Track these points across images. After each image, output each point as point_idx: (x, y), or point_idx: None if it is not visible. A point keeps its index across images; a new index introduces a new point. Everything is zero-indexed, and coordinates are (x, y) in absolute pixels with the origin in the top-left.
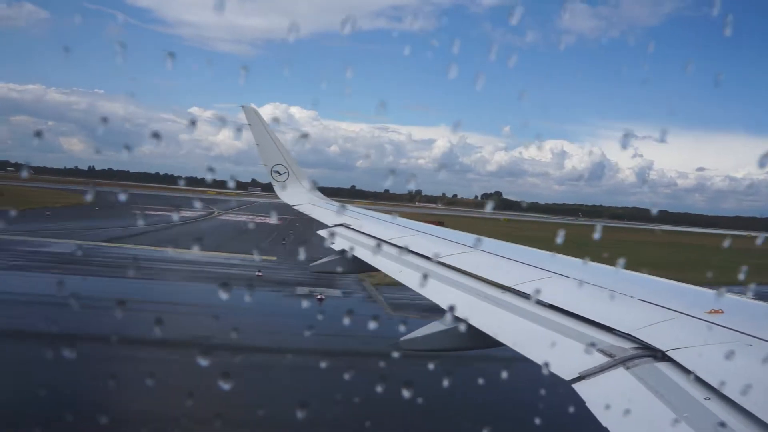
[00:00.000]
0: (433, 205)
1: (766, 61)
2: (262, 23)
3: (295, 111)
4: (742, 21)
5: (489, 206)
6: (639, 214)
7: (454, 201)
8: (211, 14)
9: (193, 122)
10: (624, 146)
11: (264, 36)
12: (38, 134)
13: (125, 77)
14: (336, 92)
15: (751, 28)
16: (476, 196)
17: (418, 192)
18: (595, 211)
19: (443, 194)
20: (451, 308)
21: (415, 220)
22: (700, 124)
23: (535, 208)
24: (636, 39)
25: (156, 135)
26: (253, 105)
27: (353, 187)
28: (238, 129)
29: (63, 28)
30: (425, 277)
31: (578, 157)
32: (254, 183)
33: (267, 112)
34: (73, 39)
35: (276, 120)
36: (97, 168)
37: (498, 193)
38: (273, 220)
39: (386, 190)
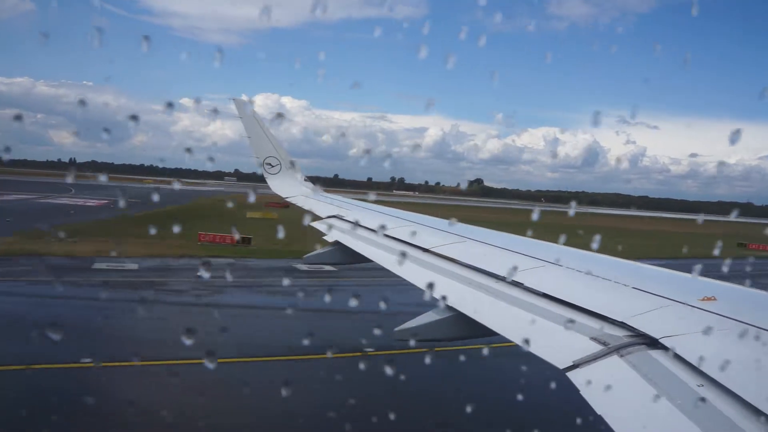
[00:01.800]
0: (411, 192)
1: (759, 46)
2: (252, 13)
3: (287, 101)
4: (736, 7)
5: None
6: (618, 200)
7: (432, 189)
8: (198, 4)
9: (170, 104)
10: (617, 133)
11: (253, 26)
12: (18, 117)
13: (113, 69)
14: (327, 81)
15: (745, 13)
16: (458, 184)
17: (401, 180)
18: (575, 197)
19: (426, 182)
20: (442, 297)
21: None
22: (693, 110)
23: (517, 195)
24: (628, 26)
25: (134, 117)
26: (244, 96)
27: (336, 176)
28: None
29: (49, 20)
30: (420, 267)
31: (571, 144)
32: (234, 173)
33: (258, 102)
34: (60, 30)
35: (280, 115)
36: (79, 160)
37: (479, 180)
38: (92, 203)
39: (369, 179)
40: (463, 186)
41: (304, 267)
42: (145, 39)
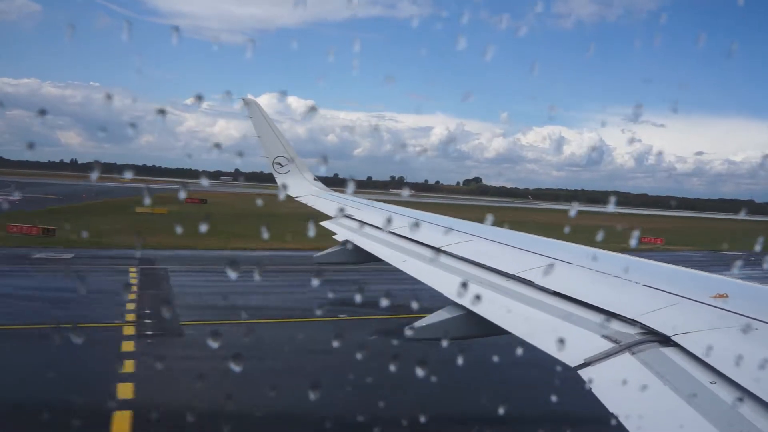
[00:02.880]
0: (407, 191)
1: (765, 44)
2: (256, 12)
3: (292, 100)
4: (743, 4)
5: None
6: (617, 198)
7: (430, 187)
8: (204, 4)
9: (199, 97)
10: (635, 119)
11: (259, 26)
12: (42, 112)
13: (120, 69)
14: (333, 81)
15: (751, 11)
16: (458, 183)
17: (400, 179)
18: (573, 196)
19: (426, 180)
20: (451, 296)
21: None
22: (698, 108)
23: (513, 193)
24: (634, 23)
25: (162, 111)
26: (250, 96)
27: (336, 175)
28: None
29: (55, 21)
30: (429, 266)
31: (577, 142)
32: (225, 173)
33: (263, 102)
34: (66, 32)
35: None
36: (80, 161)
37: (477, 179)
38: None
39: (369, 177)
40: (462, 184)
41: (43, 255)
42: (175, 30)
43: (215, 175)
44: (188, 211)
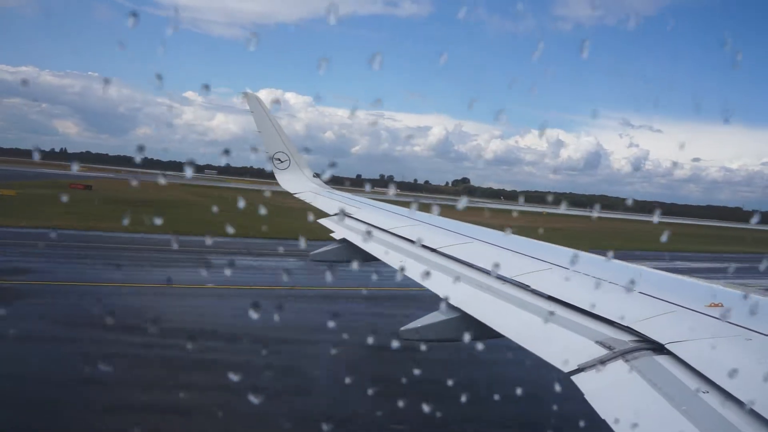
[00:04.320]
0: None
1: (763, 51)
2: (256, 7)
3: (290, 97)
4: (740, 11)
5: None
6: (603, 201)
7: (417, 186)
8: None
9: (206, 86)
10: (620, 136)
11: (258, 20)
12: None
13: (119, 60)
14: (331, 78)
15: (749, 18)
16: (447, 183)
17: (390, 177)
18: (557, 199)
19: (415, 180)
20: (447, 298)
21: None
22: (696, 114)
23: (499, 194)
24: (633, 28)
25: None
26: (249, 90)
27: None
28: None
29: (55, 10)
30: (426, 268)
31: (574, 146)
32: (212, 167)
33: (262, 97)
34: (65, 21)
35: (277, 101)
36: (70, 151)
37: (465, 179)
38: None
39: (358, 176)
40: (450, 185)
41: None
42: (174, 28)
43: (201, 169)
44: (46, 194)
